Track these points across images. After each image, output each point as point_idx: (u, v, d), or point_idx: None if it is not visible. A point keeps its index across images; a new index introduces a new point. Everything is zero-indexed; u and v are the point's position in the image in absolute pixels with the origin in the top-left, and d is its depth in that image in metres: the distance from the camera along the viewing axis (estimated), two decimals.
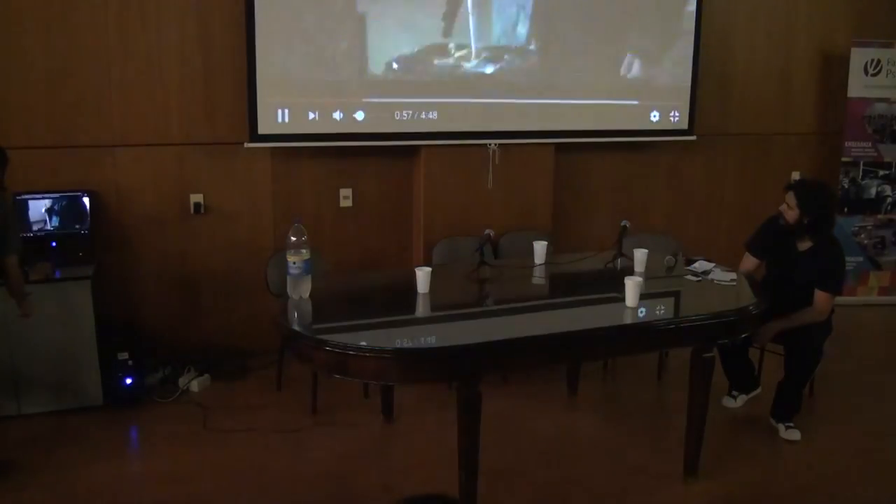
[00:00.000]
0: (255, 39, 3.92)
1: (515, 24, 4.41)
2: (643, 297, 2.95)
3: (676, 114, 4.93)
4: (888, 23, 5.63)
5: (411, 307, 3.06)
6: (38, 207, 3.71)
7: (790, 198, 3.44)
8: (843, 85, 5.40)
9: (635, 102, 4.81)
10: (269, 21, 3.93)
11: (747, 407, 3.81)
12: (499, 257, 4.24)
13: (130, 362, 3.72)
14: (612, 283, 3.36)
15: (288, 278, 2.92)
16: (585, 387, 4.02)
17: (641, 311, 2.90)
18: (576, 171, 4.92)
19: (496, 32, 4.37)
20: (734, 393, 3.83)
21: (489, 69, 4.39)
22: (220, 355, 4.22)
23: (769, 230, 3.63)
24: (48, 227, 3.72)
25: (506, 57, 4.41)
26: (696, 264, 3.52)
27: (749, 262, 3.69)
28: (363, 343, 2.53)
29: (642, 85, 4.80)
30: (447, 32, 4.27)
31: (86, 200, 3.80)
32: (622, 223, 3.63)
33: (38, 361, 3.52)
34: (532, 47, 4.46)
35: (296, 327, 2.72)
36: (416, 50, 4.24)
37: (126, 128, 3.96)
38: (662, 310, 3.11)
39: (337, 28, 4.08)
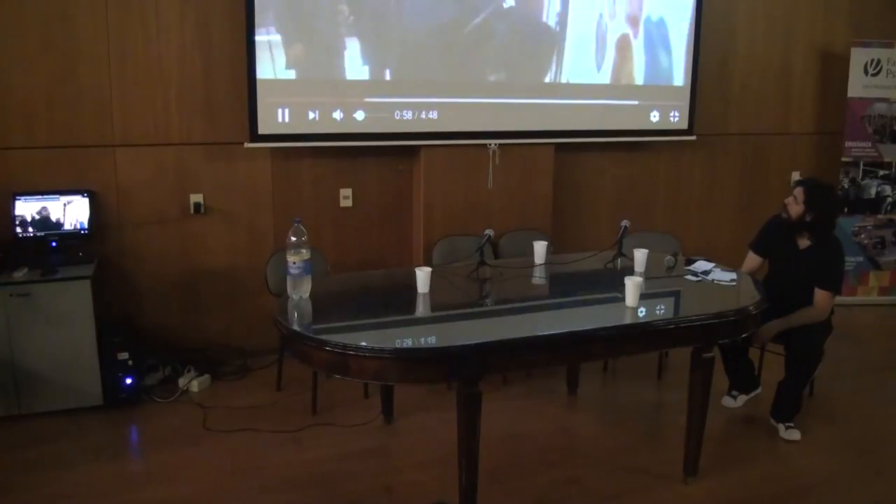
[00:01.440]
0: (254, 39, 3.92)
1: (517, 24, 4.42)
2: (643, 297, 2.95)
3: (676, 114, 4.94)
4: (888, 23, 5.63)
5: (411, 307, 3.06)
6: (38, 207, 3.71)
7: (799, 192, 3.45)
8: (843, 85, 5.41)
9: (635, 102, 4.82)
10: (269, 21, 3.94)
11: (747, 407, 3.81)
12: (499, 257, 4.24)
13: (130, 362, 3.71)
14: (612, 283, 3.36)
15: (288, 278, 2.92)
16: (585, 387, 4.02)
17: (641, 311, 2.90)
18: (576, 171, 4.92)
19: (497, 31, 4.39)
20: (734, 393, 3.83)
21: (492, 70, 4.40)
22: (220, 355, 4.22)
23: (771, 227, 3.65)
24: (48, 226, 3.71)
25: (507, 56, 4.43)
26: (696, 264, 3.52)
27: (752, 260, 3.70)
28: (363, 343, 2.52)
29: (642, 85, 4.80)
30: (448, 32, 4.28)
31: (86, 200, 3.80)
32: (622, 223, 3.63)
33: (38, 361, 3.52)
34: (532, 47, 4.47)
35: (296, 327, 2.71)
36: (416, 49, 4.24)
37: (126, 128, 3.96)
38: (662, 310, 3.11)
39: (336, 27, 4.08)
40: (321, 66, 4.10)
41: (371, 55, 4.16)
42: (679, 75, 4.88)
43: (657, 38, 4.78)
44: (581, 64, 4.61)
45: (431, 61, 4.28)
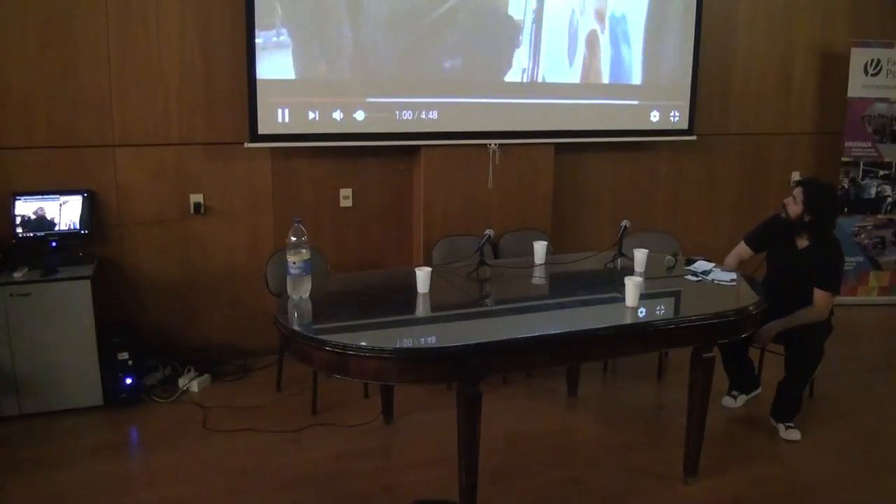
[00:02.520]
0: (254, 39, 3.92)
1: (516, 25, 4.42)
2: (643, 297, 2.95)
3: (676, 114, 4.94)
4: (888, 23, 5.63)
5: (411, 307, 3.06)
6: (38, 207, 3.71)
7: (798, 192, 3.45)
8: (843, 85, 5.41)
9: (635, 102, 4.81)
10: (269, 21, 3.94)
11: (747, 407, 3.81)
12: (499, 257, 4.24)
13: (130, 362, 3.71)
14: (612, 283, 3.36)
15: (288, 278, 2.92)
16: (585, 387, 4.02)
17: (641, 311, 2.90)
18: (576, 171, 4.92)
19: (495, 31, 4.39)
20: (734, 393, 3.83)
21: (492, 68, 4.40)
22: (220, 355, 4.22)
23: (770, 226, 3.65)
24: (43, 226, 3.71)
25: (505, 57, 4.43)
26: (696, 264, 3.52)
27: (742, 250, 3.70)
28: (363, 343, 2.52)
29: (642, 85, 4.80)
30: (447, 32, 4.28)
31: (86, 200, 3.80)
32: (622, 223, 3.63)
33: (38, 361, 3.52)
34: (532, 47, 4.47)
35: (296, 327, 2.71)
36: (416, 49, 4.24)
37: (126, 128, 3.96)
38: (662, 310, 3.11)
39: (336, 28, 4.07)
40: (321, 66, 4.10)
41: (370, 55, 4.16)
42: (679, 75, 4.87)
43: (657, 37, 4.77)
44: (580, 64, 4.61)
45: (431, 61, 4.28)
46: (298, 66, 4.05)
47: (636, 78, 4.78)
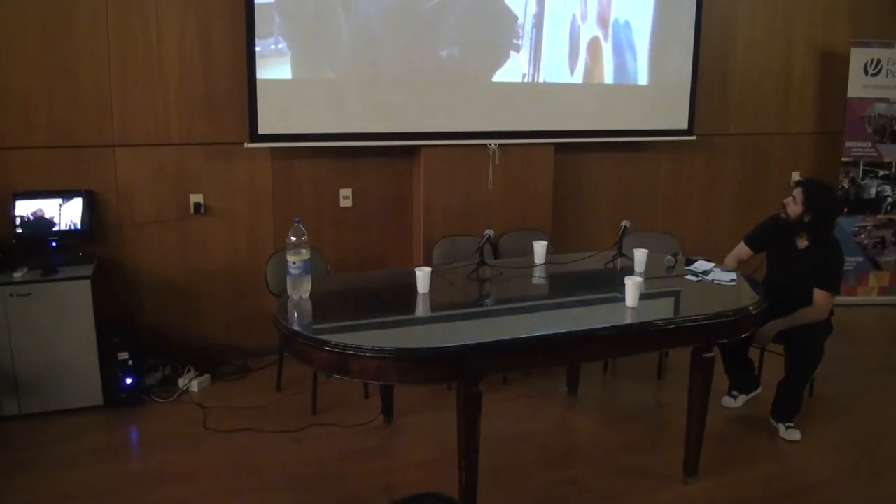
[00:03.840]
0: (255, 39, 3.92)
1: (515, 25, 4.42)
2: (643, 297, 2.95)
3: (676, 114, 4.93)
4: (888, 23, 5.63)
5: (411, 307, 3.06)
6: (38, 207, 3.71)
7: (798, 193, 3.45)
8: (843, 85, 5.41)
9: (635, 102, 4.81)
10: (269, 21, 3.93)
11: (747, 407, 3.81)
12: (499, 257, 4.24)
13: (130, 362, 3.71)
14: (612, 283, 3.36)
15: (288, 278, 2.92)
16: (585, 387, 4.02)
17: (641, 311, 2.90)
18: (576, 171, 4.92)
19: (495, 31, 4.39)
20: (734, 393, 3.83)
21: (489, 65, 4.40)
22: (220, 355, 4.22)
23: (770, 226, 3.65)
24: (47, 226, 3.71)
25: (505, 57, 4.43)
26: (696, 264, 3.52)
27: (741, 250, 3.70)
28: (363, 343, 2.52)
29: (642, 85, 4.80)
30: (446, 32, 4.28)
31: (85, 200, 3.79)
32: (622, 223, 3.63)
33: (38, 361, 3.52)
34: (532, 50, 4.47)
35: (296, 327, 2.72)
36: (416, 49, 4.24)
37: (126, 128, 3.96)
38: (662, 310, 3.10)
39: (337, 27, 4.07)
40: (321, 66, 4.10)
41: (371, 55, 4.16)
42: (679, 75, 4.88)
43: (657, 38, 4.78)
44: (580, 63, 4.61)
45: (431, 61, 4.28)
46: (298, 66, 4.05)
47: (636, 79, 4.78)
